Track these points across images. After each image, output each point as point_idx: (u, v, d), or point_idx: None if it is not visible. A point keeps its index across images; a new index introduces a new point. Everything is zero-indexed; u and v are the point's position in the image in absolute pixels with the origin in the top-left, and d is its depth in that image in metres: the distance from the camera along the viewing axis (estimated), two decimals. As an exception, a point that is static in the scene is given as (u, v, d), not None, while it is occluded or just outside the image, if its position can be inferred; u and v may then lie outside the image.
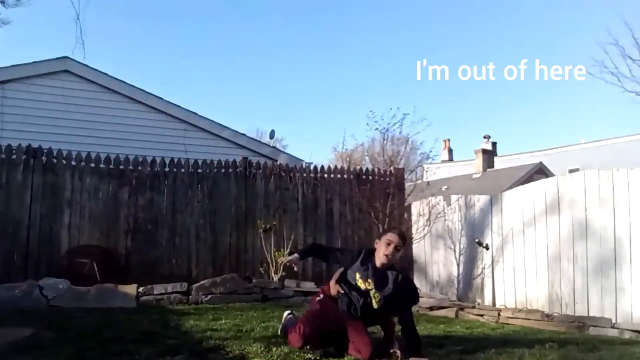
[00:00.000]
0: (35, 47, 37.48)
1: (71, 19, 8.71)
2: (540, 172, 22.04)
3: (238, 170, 8.21)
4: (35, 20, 42.14)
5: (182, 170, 7.94)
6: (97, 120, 8.94)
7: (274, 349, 3.65)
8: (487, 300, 7.34)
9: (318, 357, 3.53)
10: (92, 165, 7.49)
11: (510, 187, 10.66)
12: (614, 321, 5.48)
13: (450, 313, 6.56)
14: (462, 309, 6.59)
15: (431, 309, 6.72)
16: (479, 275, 7.54)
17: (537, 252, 6.71)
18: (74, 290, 6.21)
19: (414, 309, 6.75)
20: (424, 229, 8.36)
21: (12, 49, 36.39)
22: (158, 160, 7.85)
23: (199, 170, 8.02)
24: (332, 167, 9.08)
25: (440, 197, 8.61)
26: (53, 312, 5.62)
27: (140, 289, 6.43)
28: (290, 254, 4.32)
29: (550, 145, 27.19)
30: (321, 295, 3.90)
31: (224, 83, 58.47)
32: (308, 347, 3.61)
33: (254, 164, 8.35)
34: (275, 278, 7.38)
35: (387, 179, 8.70)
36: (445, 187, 19.67)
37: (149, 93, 9.67)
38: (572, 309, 6.10)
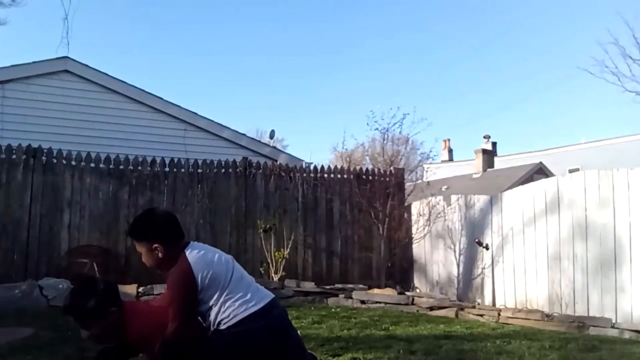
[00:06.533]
0: (34, 47, 37.50)
1: (72, 19, 8.67)
2: (540, 172, 21.98)
3: (238, 170, 8.21)
4: (34, 20, 42.18)
5: (182, 170, 7.94)
6: (97, 120, 8.91)
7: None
8: (487, 300, 7.34)
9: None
10: (92, 165, 7.49)
11: (510, 187, 10.66)
12: (614, 321, 5.48)
13: (450, 313, 6.56)
14: (462, 309, 6.59)
15: (431, 309, 6.72)
16: (479, 275, 7.54)
17: (537, 252, 6.70)
18: (74, 290, 6.21)
19: (414, 309, 6.79)
20: (424, 229, 8.37)
21: (11, 49, 36.41)
22: (158, 160, 7.85)
23: (199, 170, 8.02)
24: (332, 167, 9.08)
25: (440, 197, 8.61)
26: (53, 312, 5.62)
27: (140, 289, 6.44)
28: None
29: (550, 145, 27.15)
30: None
31: (224, 83, 58.54)
32: None
33: (254, 164, 8.35)
34: (275, 278, 7.38)
35: (387, 179, 8.70)
36: (445, 187, 19.64)
37: (149, 93, 9.66)
38: (572, 308, 6.10)
